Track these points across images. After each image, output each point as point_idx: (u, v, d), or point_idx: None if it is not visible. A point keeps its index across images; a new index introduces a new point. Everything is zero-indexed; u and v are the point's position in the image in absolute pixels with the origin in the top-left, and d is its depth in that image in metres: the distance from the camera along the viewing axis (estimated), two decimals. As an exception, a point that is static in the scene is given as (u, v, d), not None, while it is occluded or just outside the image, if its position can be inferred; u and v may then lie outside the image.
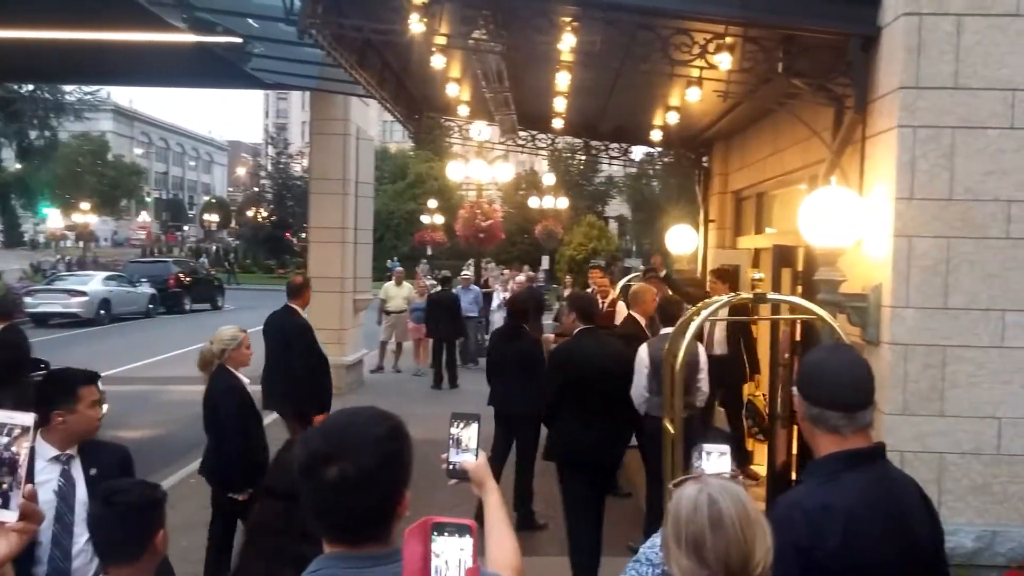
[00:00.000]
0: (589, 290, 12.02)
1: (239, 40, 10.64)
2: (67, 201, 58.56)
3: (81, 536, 3.47)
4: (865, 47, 5.34)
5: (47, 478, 3.57)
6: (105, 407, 3.80)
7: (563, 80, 7.96)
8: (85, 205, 54.81)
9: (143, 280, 30.96)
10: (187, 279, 33.65)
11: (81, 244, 59.00)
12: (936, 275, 4.96)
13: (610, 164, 13.50)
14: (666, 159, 13.41)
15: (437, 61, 7.29)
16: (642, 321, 7.86)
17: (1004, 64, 4.92)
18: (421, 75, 9.38)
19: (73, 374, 3.77)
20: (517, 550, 2.23)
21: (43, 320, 25.93)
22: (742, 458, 8.51)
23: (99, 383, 3.84)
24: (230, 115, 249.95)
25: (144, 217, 78.81)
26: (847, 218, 5.04)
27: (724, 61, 5.76)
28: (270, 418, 6.78)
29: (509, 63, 7.99)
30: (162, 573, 3.12)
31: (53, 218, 55.13)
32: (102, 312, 26.89)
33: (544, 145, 12.64)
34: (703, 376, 6.94)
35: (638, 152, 13.56)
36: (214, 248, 66.47)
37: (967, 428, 4.99)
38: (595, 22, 5.86)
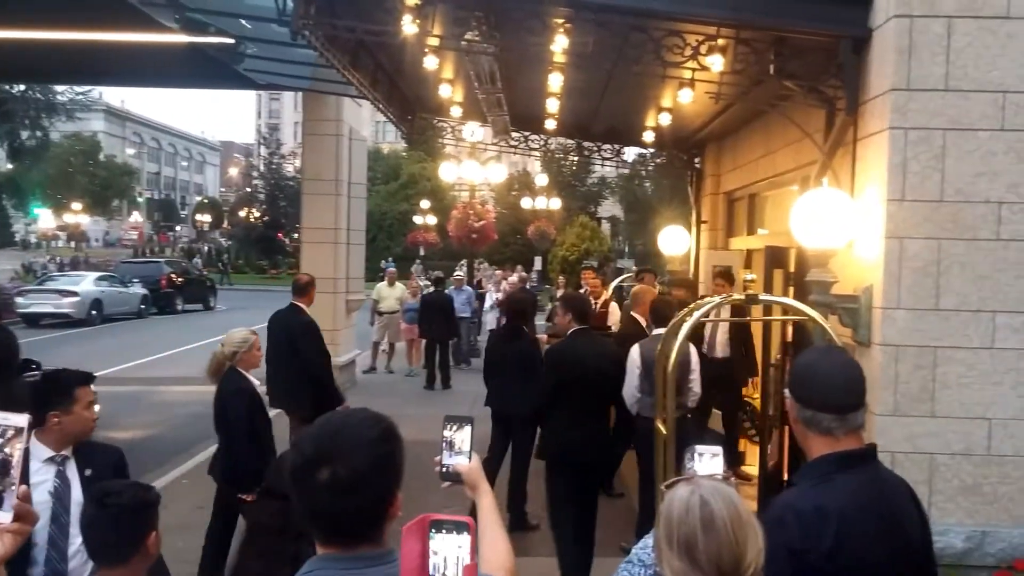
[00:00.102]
0: (582, 291, 12.04)
1: (231, 41, 10.62)
2: (58, 201, 58.44)
3: (77, 537, 3.46)
4: (856, 49, 5.37)
5: (42, 479, 3.56)
6: (97, 408, 3.79)
7: (556, 81, 7.97)
8: (77, 205, 54.74)
9: (135, 280, 30.86)
10: (179, 279, 33.54)
11: (72, 244, 58.85)
12: (927, 276, 4.98)
13: (603, 165, 13.53)
14: (658, 160, 13.46)
15: (430, 62, 7.29)
16: (643, 321, 7.89)
17: (995, 66, 4.95)
18: (414, 76, 9.38)
19: (69, 375, 3.76)
20: (510, 551, 2.24)
21: (34, 320, 25.84)
22: (734, 459, 8.54)
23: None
24: (222, 115, 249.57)
25: (136, 217, 78.62)
26: (839, 219, 5.06)
27: (716, 63, 5.77)
28: (271, 413, 6.78)
29: (502, 64, 8.00)
30: (157, 573, 3.12)
31: (44, 218, 55.00)
32: (94, 312, 26.79)
33: (537, 146, 12.65)
34: (695, 377, 6.96)
35: (630, 153, 13.59)
36: (206, 248, 66.35)
37: (957, 429, 5.02)
38: (587, 24, 5.86)
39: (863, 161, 5.37)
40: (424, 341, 16.25)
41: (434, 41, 6.49)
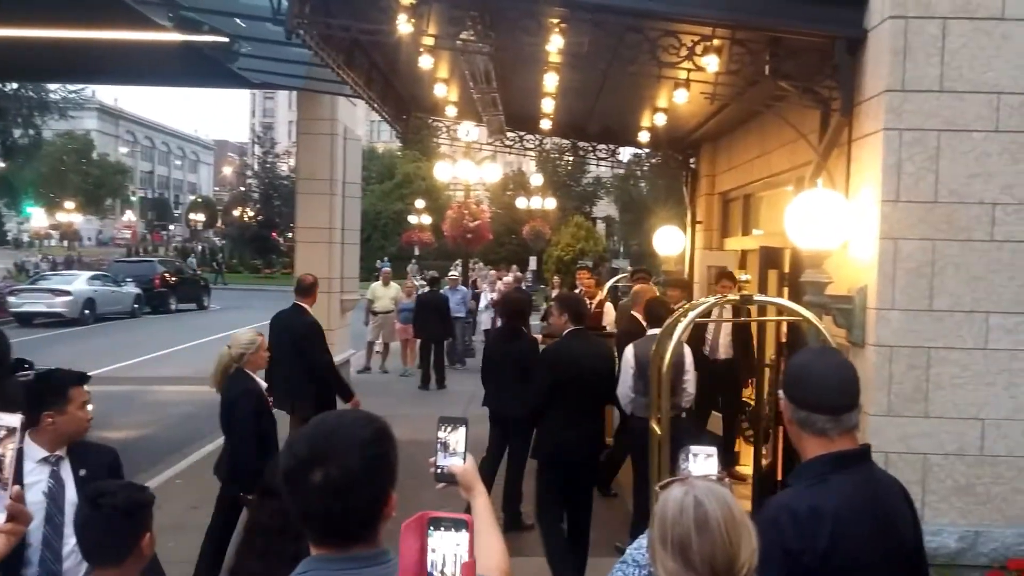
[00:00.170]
0: (577, 291, 12.05)
1: (226, 39, 10.60)
2: (51, 200, 58.29)
3: (71, 537, 3.45)
4: (851, 50, 5.37)
5: (36, 479, 3.55)
6: (90, 407, 3.78)
7: (551, 81, 7.96)
8: (69, 204, 54.59)
9: (128, 280, 30.80)
10: (173, 279, 33.50)
11: (65, 243, 58.72)
12: (921, 277, 4.99)
13: (598, 165, 13.53)
14: (653, 160, 13.45)
15: (425, 61, 7.28)
16: (644, 321, 7.88)
17: (989, 67, 4.96)
18: (409, 75, 9.37)
19: (63, 375, 3.75)
20: (504, 552, 2.24)
21: (27, 320, 25.79)
22: (729, 460, 8.54)
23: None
24: (216, 114, 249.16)
25: (129, 216, 78.44)
26: (833, 220, 5.07)
27: (711, 63, 5.78)
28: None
29: (497, 64, 7.99)
30: (152, 573, 3.11)
31: (37, 217, 54.86)
32: (87, 312, 26.73)
33: (532, 146, 12.64)
34: (689, 377, 6.96)
35: (626, 153, 13.59)
36: (199, 248, 66.23)
37: (951, 429, 5.03)
38: (583, 24, 5.86)
39: (858, 162, 5.38)
40: (419, 341, 16.24)
41: (429, 40, 6.48)
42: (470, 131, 13.08)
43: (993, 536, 4.99)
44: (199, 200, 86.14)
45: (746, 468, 8.45)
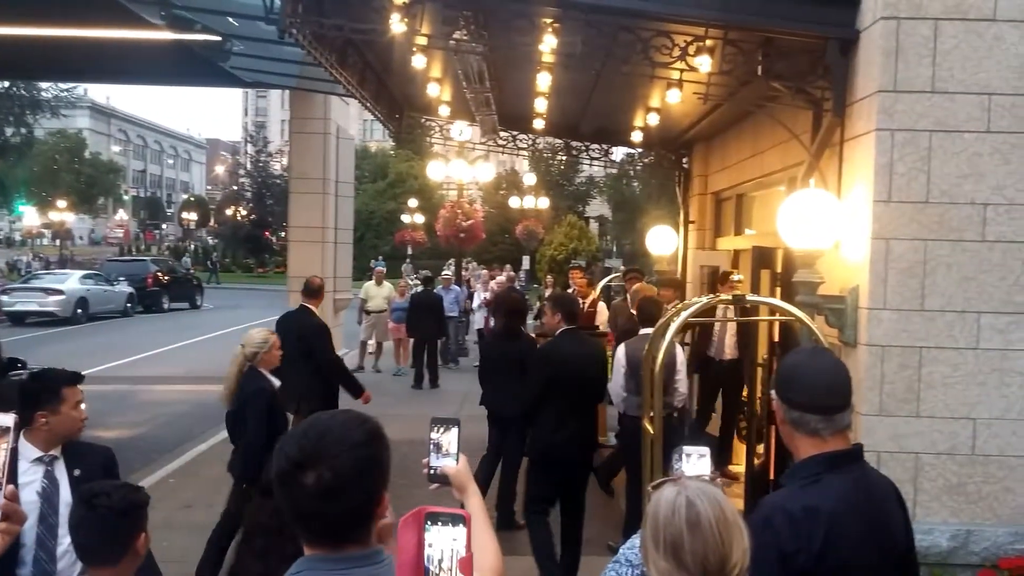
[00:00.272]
0: (570, 290, 12.06)
1: (218, 38, 10.59)
2: (43, 199, 58.06)
3: (66, 537, 3.44)
4: (843, 50, 5.39)
5: (31, 479, 3.54)
6: (84, 407, 3.77)
7: (544, 81, 7.96)
8: (62, 203, 54.34)
9: (121, 279, 30.73)
10: (165, 278, 33.42)
11: (57, 242, 58.51)
12: (913, 277, 5.01)
13: (591, 165, 13.53)
14: (646, 160, 13.47)
15: (418, 61, 7.28)
16: (639, 320, 7.91)
17: (981, 68, 4.98)
18: (402, 75, 9.36)
19: (57, 375, 3.73)
20: (498, 552, 2.25)
21: (19, 319, 25.73)
22: (724, 459, 8.56)
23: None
24: (209, 113, 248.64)
25: (121, 215, 78.22)
26: (825, 220, 5.08)
27: (704, 63, 5.78)
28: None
29: (490, 64, 7.99)
30: (147, 571, 3.10)
31: (29, 216, 54.65)
32: (79, 311, 26.66)
33: (525, 145, 12.64)
34: (681, 377, 6.99)
35: (618, 153, 13.58)
36: (192, 246, 66.11)
37: (942, 429, 5.05)
38: (576, 24, 5.86)
39: (850, 162, 5.40)
40: (412, 340, 16.22)
41: (422, 40, 6.48)
42: (463, 130, 13.08)
43: (985, 535, 5.00)
44: (192, 199, 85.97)
45: (739, 467, 8.46)
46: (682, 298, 9.00)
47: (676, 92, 6.58)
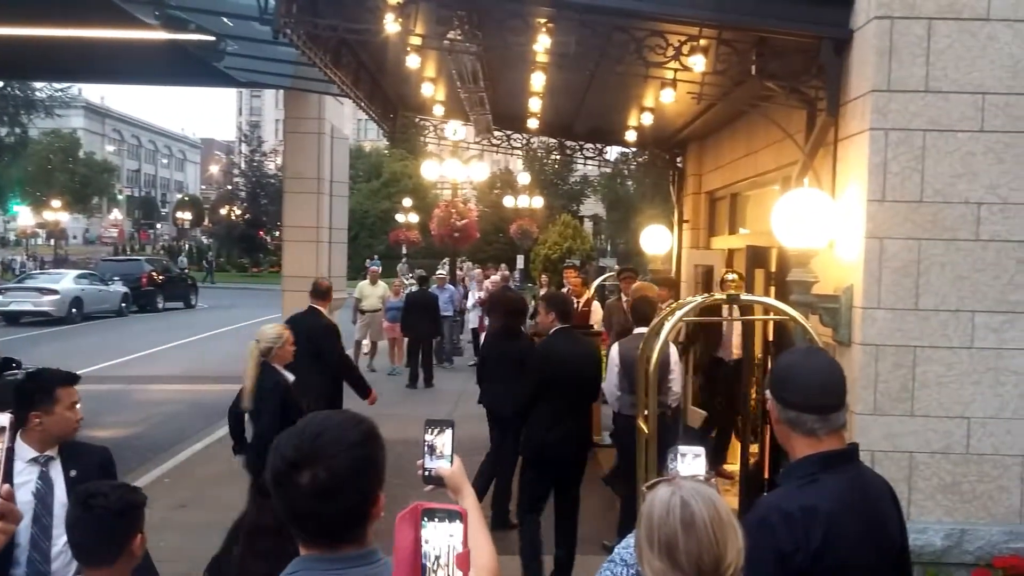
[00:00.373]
0: (564, 290, 12.06)
1: (212, 38, 10.57)
2: (38, 198, 57.95)
3: (60, 538, 3.44)
4: (837, 50, 5.39)
5: (26, 479, 3.53)
6: (79, 408, 3.75)
7: (538, 81, 7.96)
8: (56, 203, 54.26)
9: (115, 278, 30.68)
10: (160, 277, 33.37)
11: (52, 242, 58.41)
12: (907, 276, 5.02)
13: (585, 164, 13.54)
14: (640, 159, 13.46)
15: (412, 61, 7.27)
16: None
17: (974, 67, 4.99)
18: (396, 75, 9.35)
19: (52, 375, 3.70)
20: (493, 553, 2.25)
21: (14, 318, 25.68)
22: (720, 459, 8.56)
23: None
24: (203, 112, 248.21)
25: (116, 215, 78.05)
26: (820, 220, 5.09)
27: (698, 63, 5.79)
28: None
29: (484, 63, 7.98)
30: (144, 571, 3.09)
31: (23, 216, 54.55)
32: (74, 311, 26.62)
33: (519, 145, 12.64)
34: (675, 376, 7.00)
35: (613, 152, 13.60)
36: (187, 246, 66.00)
37: (937, 428, 5.06)
38: (570, 24, 5.86)
39: (844, 162, 5.41)
40: (406, 339, 16.22)
41: (416, 40, 6.47)
42: (457, 130, 13.07)
43: (979, 534, 5.02)
44: (186, 199, 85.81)
45: (733, 466, 8.47)
46: (676, 297, 9.01)
47: (670, 92, 6.59)
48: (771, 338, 6.97)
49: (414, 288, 18.08)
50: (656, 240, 10.68)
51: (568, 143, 12.46)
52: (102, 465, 3.77)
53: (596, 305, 12.17)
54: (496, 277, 21.98)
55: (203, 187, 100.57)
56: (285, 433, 1.94)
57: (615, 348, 7.14)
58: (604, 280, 15.56)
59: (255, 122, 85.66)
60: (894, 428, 5.06)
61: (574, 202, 53.94)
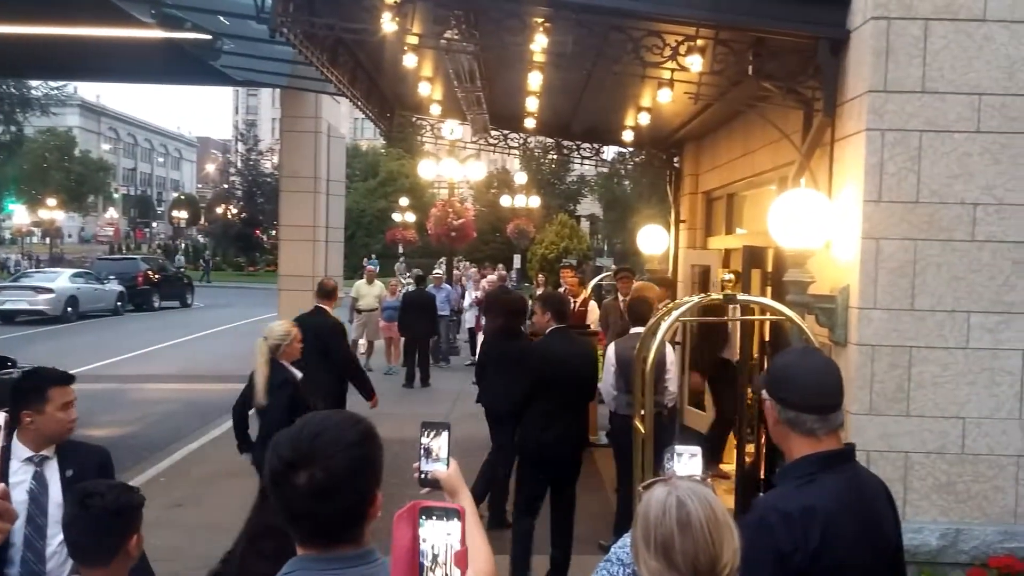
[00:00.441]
0: (561, 289, 12.06)
1: (208, 37, 10.56)
2: (33, 197, 57.88)
3: (55, 538, 3.43)
4: (834, 50, 5.40)
5: (21, 479, 3.51)
6: (72, 408, 3.72)
7: (535, 80, 7.97)
8: (52, 201, 54.18)
9: (111, 277, 30.63)
10: (156, 276, 33.31)
11: (47, 240, 58.32)
12: (903, 277, 5.02)
13: (582, 164, 13.54)
14: (637, 159, 13.47)
15: (409, 60, 7.27)
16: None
17: (971, 68, 5.00)
18: (393, 74, 9.35)
19: (44, 374, 3.68)
20: (490, 556, 2.24)
21: (9, 317, 25.62)
22: (716, 458, 8.56)
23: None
24: (199, 111, 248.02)
25: (112, 213, 78.00)
26: (816, 220, 5.09)
27: (695, 63, 5.79)
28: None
29: (481, 63, 7.99)
30: (140, 572, 3.08)
31: (19, 214, 54.47)
32: (69, 310, 26.57)
33: (516, 144, 12.64)
34: (671, 376, 7.01)
35: (610, 152, 13.59)
36: (183, 245, 65.92)
37: (932, 428, 5.07)
38: (567, 23, 5.86)
39: (840, 162, 5.41)
40: (403, 339, 16.21)
41: (413, 39, 6.47)
42: (454, 129, 13.10)
43: (974, 534, 5.03)
44: (182, 197, 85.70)
45: (729, 466, 8.48)
46: (673, 297, 9.01)
47: (667, 92, 6.59)
48: (767, 338, 6.97)
49: (411, 287, 18.06)
50: (653, 240, 10.69)
51: (565, 143, 12.46)
52: (100, 465, 3.74)
53: (593, 305, 12.18)
54: (493, 277, 21.98)
55: (199, 186, 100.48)
56: (283, 433, 1.93)
57: (611, 348, 7.15)
58: (601, 280, 15.56)
59: (251, 121, 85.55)
60: (890, 428, 5.06)
61: (571, 202, 53.97)
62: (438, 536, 1.66)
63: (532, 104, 9.19)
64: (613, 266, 22.46)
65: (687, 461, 2.49)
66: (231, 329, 25.38)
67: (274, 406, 5.85)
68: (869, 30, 5.02)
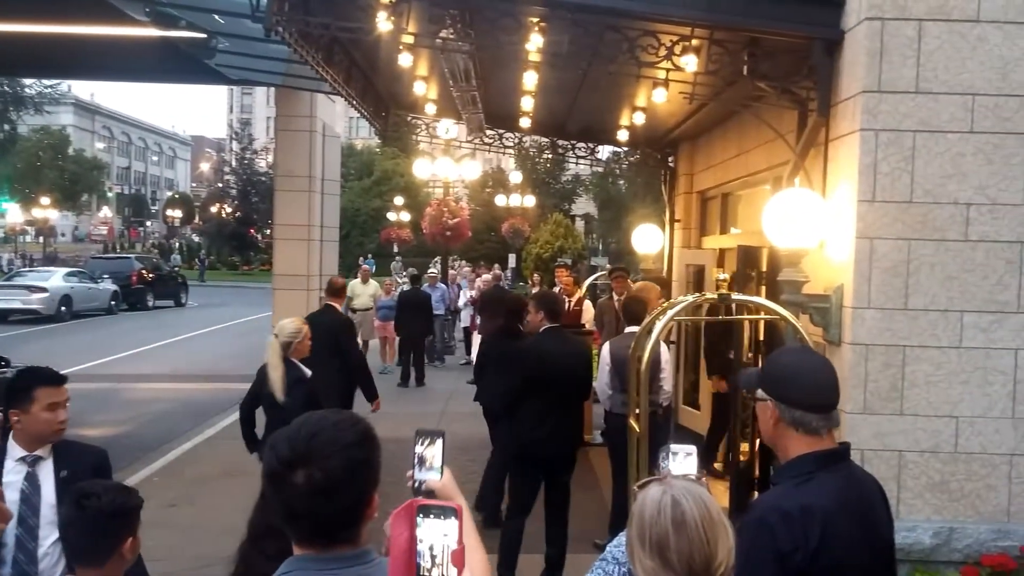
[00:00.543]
0: (556, 289, 12.06)
1: (203, 35, 10.54)
2: (27, 196, 57.71)
3: (47, 539, 3.41)
4: (829, 51, 5.42)
5: (14, 479, 3.49)
6: (61, 409, 3.65)
7: (530, 80, 7.97)
8: (45, 200, 54.03)
9: (105, 276, 30.53)
10: (150, 275, 33.23)
11: (41, 239, 58.18)
12: (896, 276, 5.04)
13: (577, 163, 13.54)
14: (632, 159, 13.48)
15: (404, 59, 7.27)
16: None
17: (964, 69, 5.01)
18: (388, 73, 9.35)
19: (33, 374, 3.62)
20: (485, 562, 2.24)
21: (2, 316, 25.53)
22: (712, 457, 8.57)
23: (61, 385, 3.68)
24: (194, 109, 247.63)
25: (106, 212, 77.80)
26: (810, 220, 5.11)
27: (690, 63, 5.80)
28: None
29: (477, 62, 7.99)
30: (135, 574, 3.07)
31: (12, 213, 54.30)
32: (63, 309, 26.48)
33: (511, 144, 12.64)
34: (665, 375, 7.02)
35: (605, 151, 13.60)
36: (178, 244, 65.80)
37: (926, 427, 5.08)
38: (562, 23, 5.87)
39: (834, 162, 5.43)
40: (398, 338, 16.21)
41: (408, 39, 6.47)
42: (449, 129, 13.08)
43: (967, 532, 5.05)
44: (176, 196, 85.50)
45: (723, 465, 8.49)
46: (668, 297, 9.01)
47: (662, 91, 6.60)
48: (762, 337, 6.99)
49: (407, 287, 18.06)
50: (648, 239, 10.69)
51: (560, 142, 12.48)
52: (96, 466, 3.69)
53: (588, 304, 12.19)
54: (487, 276, 21.98)
55: (194, 185, 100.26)
56: (281, 432, 1.93)
57: (606, 347, 7.17)
58: (596, 279, 15.57)
59: (246, 119, 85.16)
60: (883, 427, 5.08)
61: (566, 201, 53.98)
62: (435, 535, 1.66)
63: (527, 103, 9.19)
64: (608, 266, 22.50)
65: (682, 460, 2.49)
66: (225, 328, 25.35)
67: (291, 404, 5.82)
68: (863, 31, 5.03)
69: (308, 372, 6.14)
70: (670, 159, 11.87)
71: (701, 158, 10.80)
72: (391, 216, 41.13)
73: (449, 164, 20.12)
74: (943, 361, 5.07)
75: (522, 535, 6.45)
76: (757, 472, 7.05)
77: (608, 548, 2.63)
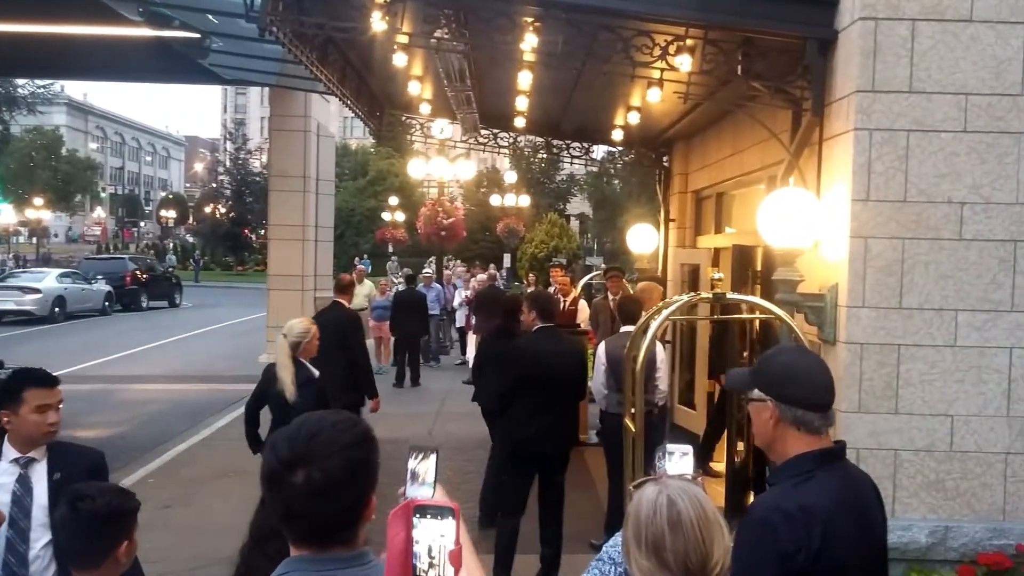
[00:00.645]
0: (551, 288, 12.07)
1: (197, 35, 10.53)
2: (20, 196, 57.59)
3: (38, 542, 3.39)
4: (822, 51, 5.43)
5: (5, 480, 3.47)
6: (52, 411, 3.62)
7: (525, 79, 7.97)
8: (38, 200, 53.91)
9: (99, 277, 30.46)
10: (144, 276, 33.15)
11: (34, 240, 58.05)
12: (891, 275, 5.05)
13: (571, 163, 13.55)
14: (627, 158, 13.49)
15: (399, 59, 7.26)
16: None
17: (957, 68, 5.02)
18: (383, 73, 9.34)
19: (23, 375, 3.60)
20: (481, 571, 2.23)
21: (-5, 317, 25.51)
22: (708, 457, 8.58)
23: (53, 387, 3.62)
24: (187, 109, 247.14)
25: (99, 213, 77.65)
26: (805, 219, 5.12)
27: (684, 63, 5.80)
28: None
29: (471, 62, 7.98)
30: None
31: (5, 213, 54.20)
32: (56, 310, 26.42)
33: (506, 143, 12.64)
34: (661, 375, 7.02)
35: (599, 151, 13.61)
36: (172, 244, 65.68)
37: (921, 425, 5.09)
38: (557, 23, 5.87)
39: (829, 161, 5.44)
40: (393, 338, 16.20)
41: (403, 38, 6.46)
42: (444, 128, 13.07)
43: (963, 531, 5.06)
44: (170, 196, 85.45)
45: (719, 464, 8.49)
46: (663, 296, 9.02)
47: (656, 91, 6.60)
48: (756, 337, 7.00)
49: (402, 287, 18.05)
50: (642, 239, 10.71)
51: (555, 142, 12.47)
52: (91, 468, 3.64)
53: (583, 304, 12.19)
54: (482, 276, 22.00)
55: (187, 185, 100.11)
56: (280, 433, 1.93)
57: (602, 346, 7.17)
58: (591, 279, 15.58)
59: (240, 119, 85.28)
60: (878, 426, 5.09)
61: (561, 201, 53.98)
62: (432, 535, 1.66)
63: (522, 103, 9.19)
64: (603, 265, 22.51)
65: (678, 460, 2.49)
66: (220, 329, 25.31)
67: (301, 404, 5.80)
68: (857, 30, 5.04)
69: (316, 372, 6.12)
70: (665, 159, 11.87)
71: (696, 158, 10.80)
72: (386, 216, 41.13)
73: (444, 164, 20.12)
74: (938, 360, 5.08)
75: (517, 535, 6.45)
76: (751, 472, 7.05)
77: (604, 548, 2.63)
